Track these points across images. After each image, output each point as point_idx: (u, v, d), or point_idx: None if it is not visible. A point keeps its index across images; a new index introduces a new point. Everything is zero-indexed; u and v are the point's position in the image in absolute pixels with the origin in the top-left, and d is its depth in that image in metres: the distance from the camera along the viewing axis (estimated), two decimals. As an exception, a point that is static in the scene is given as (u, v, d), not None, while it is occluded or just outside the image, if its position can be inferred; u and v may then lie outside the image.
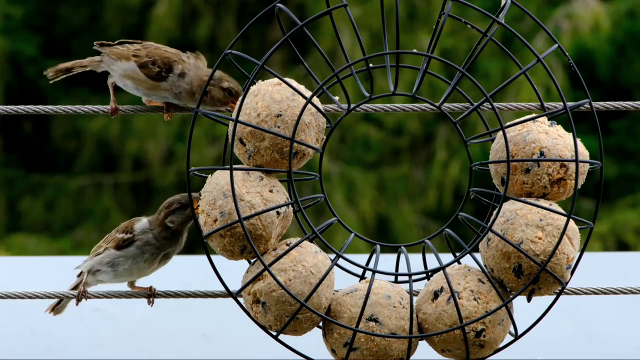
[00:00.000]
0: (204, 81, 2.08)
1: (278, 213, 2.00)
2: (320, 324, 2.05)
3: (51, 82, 2.21)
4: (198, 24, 6.73)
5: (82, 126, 6.60)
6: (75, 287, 2.17)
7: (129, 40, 2.18)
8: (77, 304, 2.15)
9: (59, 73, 2.20)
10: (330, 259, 2.04)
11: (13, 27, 6.66)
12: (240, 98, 2.01)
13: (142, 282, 2.18)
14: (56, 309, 2.20)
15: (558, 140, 2.02)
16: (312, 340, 2.09)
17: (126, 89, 2.17)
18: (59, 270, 3.23)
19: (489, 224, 2.01)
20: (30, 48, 6.64)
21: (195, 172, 2.06)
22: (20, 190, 6.68)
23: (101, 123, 6.53)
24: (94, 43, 2.18)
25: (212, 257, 2.04)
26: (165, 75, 2.13)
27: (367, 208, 6.60)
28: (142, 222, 2.14)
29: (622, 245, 6.38)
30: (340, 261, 2.08)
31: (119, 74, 2.15)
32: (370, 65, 2.03)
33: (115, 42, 2.18)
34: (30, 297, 2.14)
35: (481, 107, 2.08)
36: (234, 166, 2.00)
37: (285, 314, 1.99)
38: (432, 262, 2.08)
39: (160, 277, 2.23)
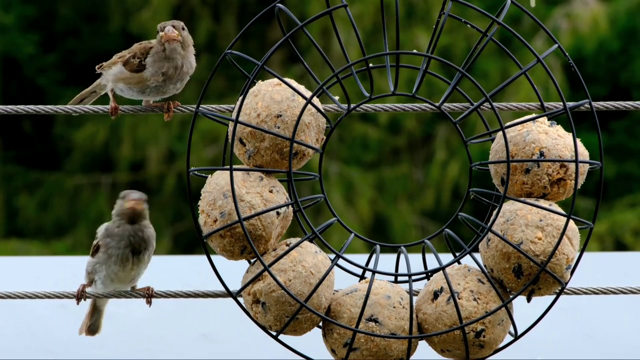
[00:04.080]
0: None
1: (278, 213, 2.00)
2: (320, 324, 2.05)
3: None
4: (196, 27, 6.72)
5: (76, 131, 6.58)
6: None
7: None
8: (77, 304, 2.16)
9: (77, 101, 2.24)
10: (330, 259, 2.04)
11: (11, 24, 6.66)
12: (240, 98, 2.01)
13: (143, 283, 2.18)
14: (91, 328, 2.20)
15: (558, 140, 2.02)
16: (312, 340, 2.09)
17: (122, 94, 2.19)
18: (58, 271, 3.24)
19: (489, 224, 2.00)
20: (28, 47, 6.63)
21: (195, 172, 2.06)
22: (18, 187, 6.67)
23: (90, 131, 6.51)
24: (96, 67, 2.21)
25: (212, 257, 2.04)
26: (144, 64, 2.14)
27: (366, 208, 6.59)
28: (103, 225, 2.15)
29: (620, 246, 6.37)
30: (340, 261, 2.08)
31: (112, 80, 2.18)
32: (370, 65, 2.03)
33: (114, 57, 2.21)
34: (30, 297, 2.14)
35: (481, 107, 2.08)
36: (234, 166, 1.99)
37: (285, 314, 1.99)
38: (432, 262, 2.08)
39: (161, 277, 2.23)
